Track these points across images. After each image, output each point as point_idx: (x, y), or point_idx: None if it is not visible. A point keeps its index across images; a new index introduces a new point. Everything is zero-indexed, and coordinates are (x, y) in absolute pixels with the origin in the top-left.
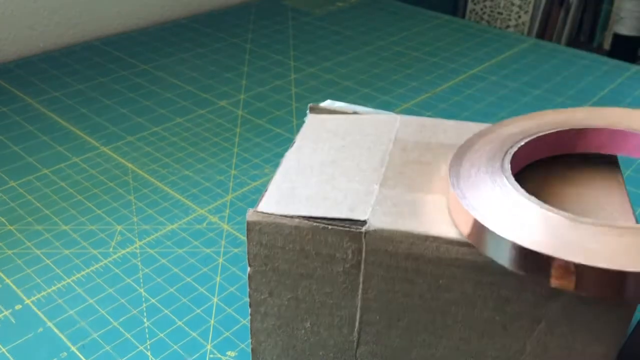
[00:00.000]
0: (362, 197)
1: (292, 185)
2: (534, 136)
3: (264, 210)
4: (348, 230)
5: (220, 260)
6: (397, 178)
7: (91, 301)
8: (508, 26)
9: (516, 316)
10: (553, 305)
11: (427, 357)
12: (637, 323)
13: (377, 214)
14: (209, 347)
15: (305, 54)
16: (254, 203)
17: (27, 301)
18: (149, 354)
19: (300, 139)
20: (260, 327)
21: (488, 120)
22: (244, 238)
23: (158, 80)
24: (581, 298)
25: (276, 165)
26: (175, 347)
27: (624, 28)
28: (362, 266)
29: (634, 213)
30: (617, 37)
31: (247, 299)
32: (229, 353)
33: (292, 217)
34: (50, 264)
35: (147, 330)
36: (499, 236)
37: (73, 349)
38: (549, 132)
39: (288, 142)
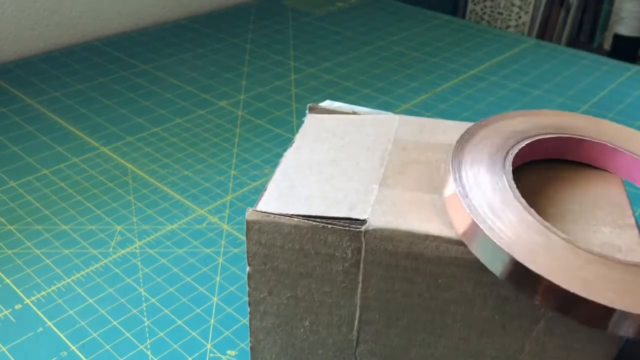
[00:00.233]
0: (361, 197)
1: (291, 185)
2: (536, 138)
3: (263, 210)
4: (347, 229)
5: (220, 260)
6: (396, 177)
7: (91, 301)
8: (508, 26)
9: (515, 316)
10: None
11: (427, 356)
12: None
13: (377, 213)
14: (209, 346)
15: (305, 54)
16: (254, 203)
17: (27, 301)
18: (149, 353)
19: (300, 138)
20: (259, 326)
21: None
22: (244, 238)
23: (158, 80)
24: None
25: (276, 166)
26: (175, 346)
27: (624, 28)
28: (362, 265)
29: (633, 214)
30: (617, 38)
31: (247, 298)
32: (229, 352)
33: (291, 216)
34: (50, 263)
35: (147, 330)
36: (494, 243)
37: (73, 348)
38: (551, 136)
39: (288, 143)
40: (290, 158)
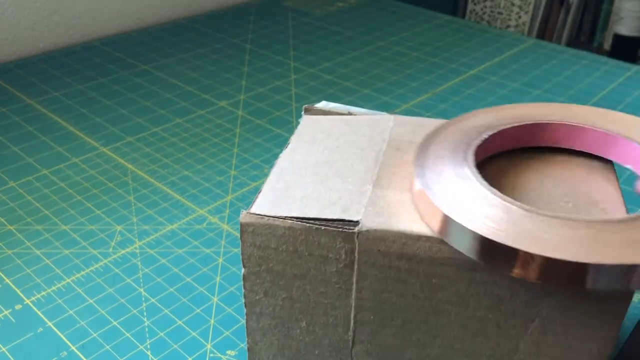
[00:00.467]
0: (355, 198)
1: (285, 186)
2: (498, 129)
3: (257, 212)
4: (341, 230)
5: (220, 260)
6: (390, 178)
7: (91, 301)
8: (508, 26)
9: (510, 315)
10: (547, 303)
11: (422, 355)
12: (637, 323)
13: (370, 215)
14: (209, 346)
15: (305, 54)
16: None
17: (27, 301)
18: (149, 353)
19: (295, 139)
20: (255, 327)
21: None
22: None
23: (158, 80)
24: (575, 296)
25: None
26: (175, 346)
27: (624, 28)
28: (356, 266)
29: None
30: (617, 37)
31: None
32: (228, 352)
33: (285, 218)
34: (50, 263)
35: (147, 330)
36: (462, 226)
37: (73, 348)
38: (513, 125)
39: None
40: (285, 159)
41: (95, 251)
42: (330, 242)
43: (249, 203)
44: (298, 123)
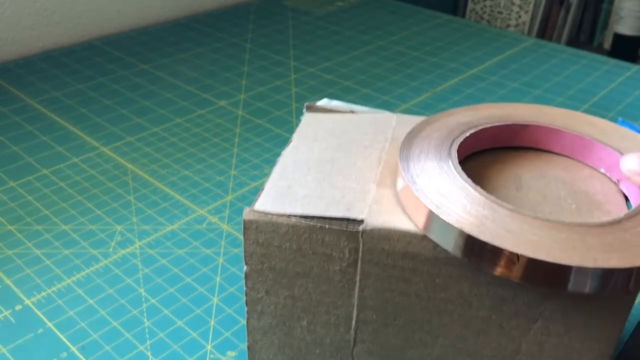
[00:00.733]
0: (358, 196)
1: (288, 184)
2: (479, 127)
3: (261, 209)
4: (345, 229)
5: (220, 260)
6: (393, 177)
7: (91, 301)
8: (508, 26)
9: (513, 315)
10: (549, 304)
11: (424, 355)
12: (638, 324)
13: (374, 213)
14: (209, 347)
15: (305, 54)
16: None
17: (27, 301)
18: (149, 354)
19: (297, 137)
20: (256, 326)
21: None
22: None
23: (158, 80)
24: (577, 297)
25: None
26: (175, 347)
27: (624, 28)
28: (359, 265)
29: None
30: (617, 37)
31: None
32: (229, 353)
33: (288, 216)
34: (50, 264)
35: (147, 331)
36: (447, 223)
37: (73, 349)
38: (494, 124)
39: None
40: (287, 157)
41: (95, 251)
42: (334, 241)
43: (249, 203)
44: (298, 122)
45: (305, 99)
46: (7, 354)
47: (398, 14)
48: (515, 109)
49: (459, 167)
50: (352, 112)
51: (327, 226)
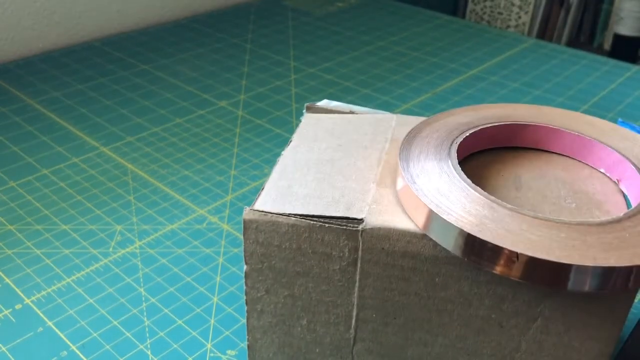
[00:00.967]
0: (358, 196)
1: (288, 184)
2: (479, 128)
3: (261, 209)
4: (345, 228)
5: (220, 260)
6: (393, 176)
7: (91, 301)
8: (508, 26)
9: (512, 314)
10: (549, 303)
11: (424, 354)
12: (638, 323)
13: (374, 213)
14: (209, 346)
15: (305, 54)
16: None
17: (27, 301)
18: (149, 352)
19: (297, 137)
20: (256, 325)
21: None
22: None
23: (158, 80)
24: (577, 296)
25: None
26: (175, 346)
27: (624, 28)
28: (359, 264)
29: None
30: (617, 38)
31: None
32: (229, 352)
33: (288, 215)
34: (50, 263)
35: (147, 330)
36: (447, 222)
37: (73, 348)
38: (494, 124)
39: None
40: (287, 157)
41: (95, 251)
42: (334, 240)
43: (249, 203)
44: (298, 123)
45: (305, 100)
46: (7, 353)
47: (398, 15)
48: (515, 109)
49: (459, 167)
50: (352, 112)
51: (327, 225)
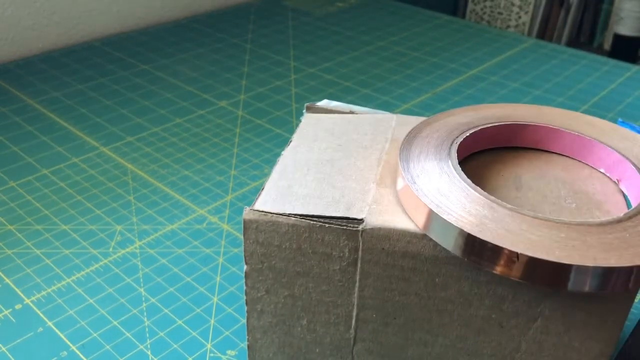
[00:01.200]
0: (358, 196)
1: (288, 184)
2: (479, 128)
3: (261, 209)
4: (345, 228)
5: (220, 260)
6: (393, 177)
7: (91, 301)
8: (508, 26)
9: (512, 314)
10: (549, 303)
11: (424, 354)
12: (638, 323)
13: (374, 213)
14: (209, 346)
15: (305, 54)
16: None
17: (27, 301)
18: (149, 353)
19: (297, 137)
20: (256, 325)
21: None
22: None
23: (158, 80)
24: (577, 296)
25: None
26: (175, 346)
27: (624, 28)
28: (359, 264)
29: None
30: (617, 38)
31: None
32: (229, 352)
33: (288, 215)
34: (50, 263)
35: (147, 330)
36: (447, 222)
37: (73, 348)
38: (494, 124)
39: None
40: (287, 157)
41: (95, 251)
42: (334, 240)
43: (249, 203)
44: (298, 123)
45: (305, 100)
46: (7, 353)
47: (398, 15)
48: (515, 109)
49: (459, 167)
50: (352, 112)
51: (327, 225)
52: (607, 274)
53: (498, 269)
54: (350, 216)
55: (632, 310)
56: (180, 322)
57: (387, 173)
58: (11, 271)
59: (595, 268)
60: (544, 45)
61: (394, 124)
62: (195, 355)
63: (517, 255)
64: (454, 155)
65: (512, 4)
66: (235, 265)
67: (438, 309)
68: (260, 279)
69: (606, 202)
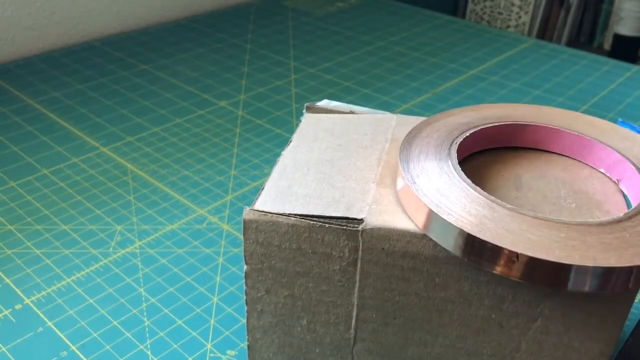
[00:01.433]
0: (358, 196)
1: (288, 184)
2: (479, 127)
3: (261, 209)
4: (345, 228)
5: (220, 260)
6: (393, 177)
7: (91, 301)
8: (508, 26)
9: (512, 314)
10: (549, 303)
11: (424, 354)
12: (638, 323)
13: (374, 213)
14: (209, 346)
15: (305, 54)
16: None
17: (27, 301)
18: (149, 353)
19: (297, 137)
20: (256, 325)
21: None
22: None
23: (158, 80)
24: (577, 296)
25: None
26: (175, 346)
27: (624, 28)
28: (359, 264)
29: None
30: (617, 37)
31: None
32: (229, 352)
33: (288, 215)
34: (50, 263)
35: (147, 330)
36: (447, 222)
37: (73, 348)
38: (494, 124)
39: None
40: (287, 157)
41: (95, 251)
42: (334, 240)
43: (249, 203)
44: (298, 122)
45: (305, 100)
46: (7, 353)
47: (398, 15)
48: (515, 109)
49: (459, 167)
50: (352, 112)
51: (326, 225)
52: (607, 274)
53: (498, 269)
54: (350, 216)
55: (632, 310)
56: (180, 322)
57: (387, 173)
58: (11, 271)
59: (595, 268)
60: (544, 45)
61: (394, 124)
62: (195, 355)
63: (517, 255)
64: (454, 155)
65: (512, 4)
66: (235, 265)
67: (438, 309)
68: (260, 279)
69: (606, 202)
